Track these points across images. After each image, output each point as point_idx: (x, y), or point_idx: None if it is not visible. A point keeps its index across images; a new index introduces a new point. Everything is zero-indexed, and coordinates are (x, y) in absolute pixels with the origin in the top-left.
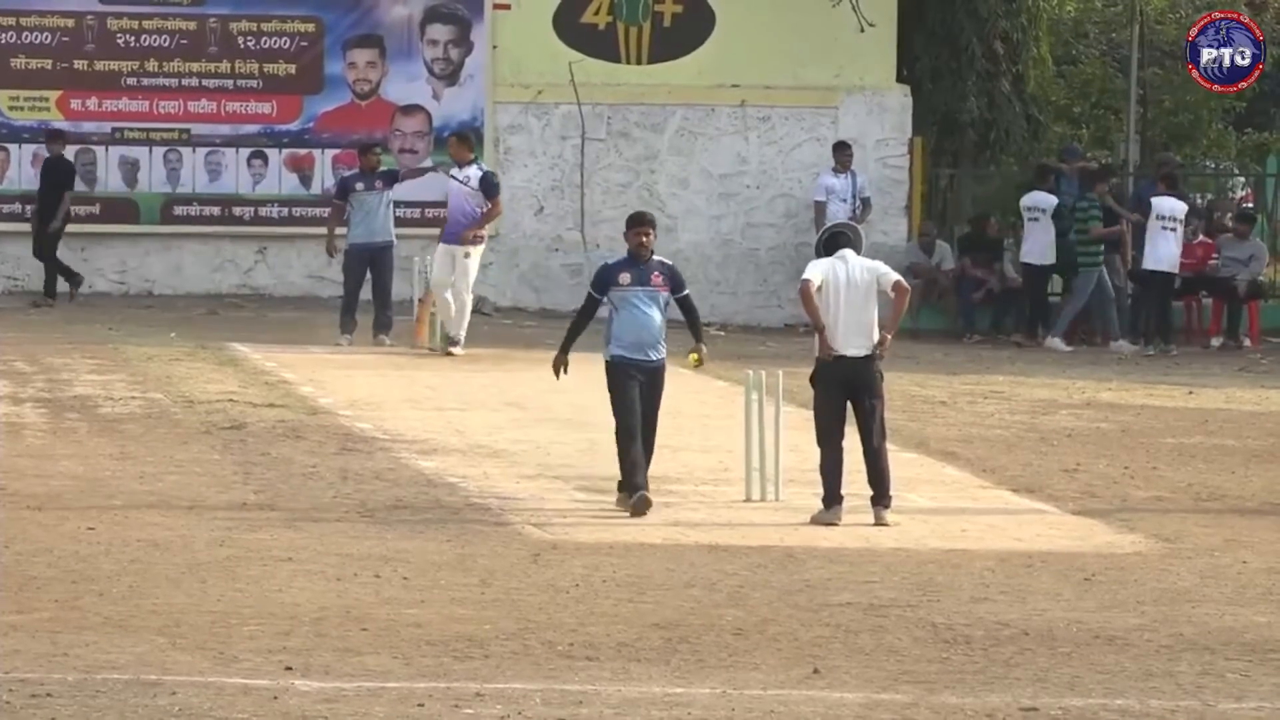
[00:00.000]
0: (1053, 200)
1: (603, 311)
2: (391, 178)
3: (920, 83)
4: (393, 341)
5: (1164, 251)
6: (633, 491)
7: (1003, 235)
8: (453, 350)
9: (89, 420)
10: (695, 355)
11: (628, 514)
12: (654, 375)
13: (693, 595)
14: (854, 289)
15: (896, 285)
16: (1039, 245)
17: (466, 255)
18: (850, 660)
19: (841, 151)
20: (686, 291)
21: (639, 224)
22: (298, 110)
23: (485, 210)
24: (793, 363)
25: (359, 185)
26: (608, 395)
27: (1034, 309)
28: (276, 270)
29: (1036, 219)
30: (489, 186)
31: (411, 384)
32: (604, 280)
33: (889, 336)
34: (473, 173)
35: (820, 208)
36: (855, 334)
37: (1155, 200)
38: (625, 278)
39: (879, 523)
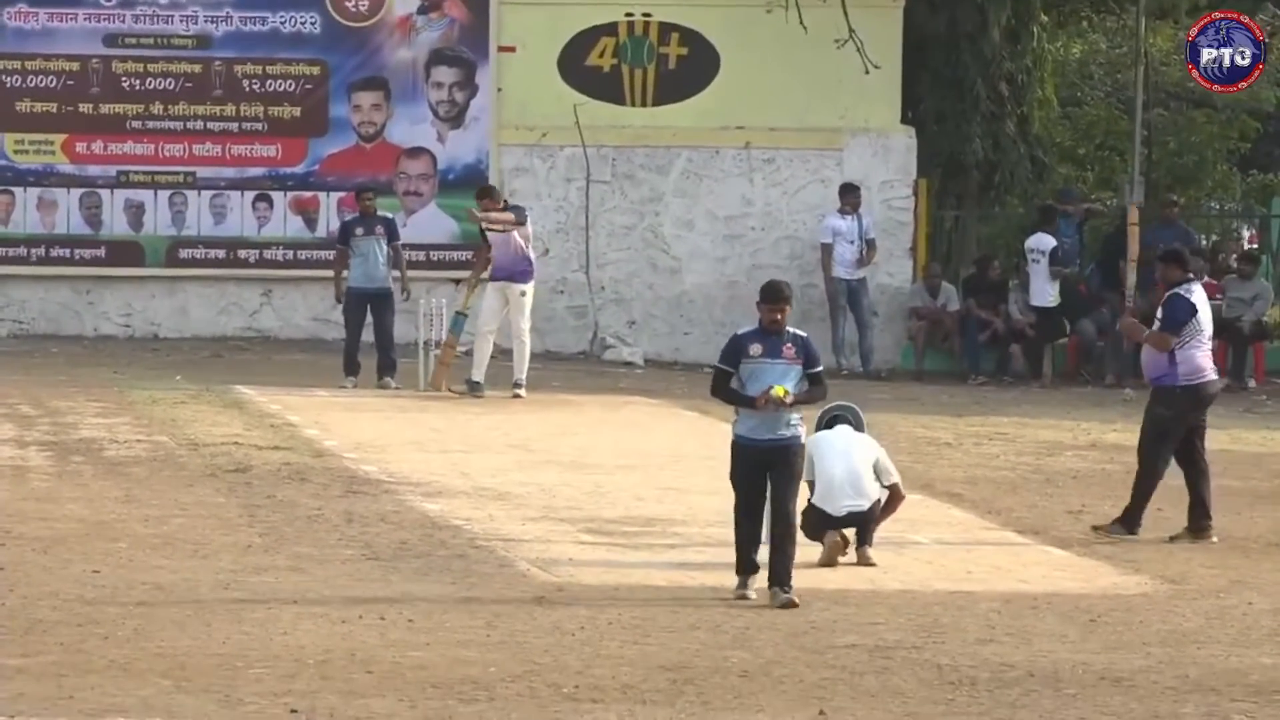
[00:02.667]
0: (1051, 242)
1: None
2: (390, 225)
3: (925, 124)
4: (398, 384)
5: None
6: (741, 575)
7: (1005, 277)
8: (519, 393)
9: (94, 463)
10: (782, 389)
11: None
12: (784, 455)
13: (698, 637)
14: (850, 453)
15: (894, 487)
16: (1040, 288)
17: (523, 294)
18: (856, 702)
19: (849, 194)
20: (819, 368)
21: (774, 299)
22: (303, 153)
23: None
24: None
25: (358, 230)
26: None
27: (1037, 350)
28: (282, 313)
29: (1038, 260)
30: (518, 211)
31: (416, 426)
32: (734, 352)
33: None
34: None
35: (827, 250)
36: (852, 491)
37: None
38: (756, 349)
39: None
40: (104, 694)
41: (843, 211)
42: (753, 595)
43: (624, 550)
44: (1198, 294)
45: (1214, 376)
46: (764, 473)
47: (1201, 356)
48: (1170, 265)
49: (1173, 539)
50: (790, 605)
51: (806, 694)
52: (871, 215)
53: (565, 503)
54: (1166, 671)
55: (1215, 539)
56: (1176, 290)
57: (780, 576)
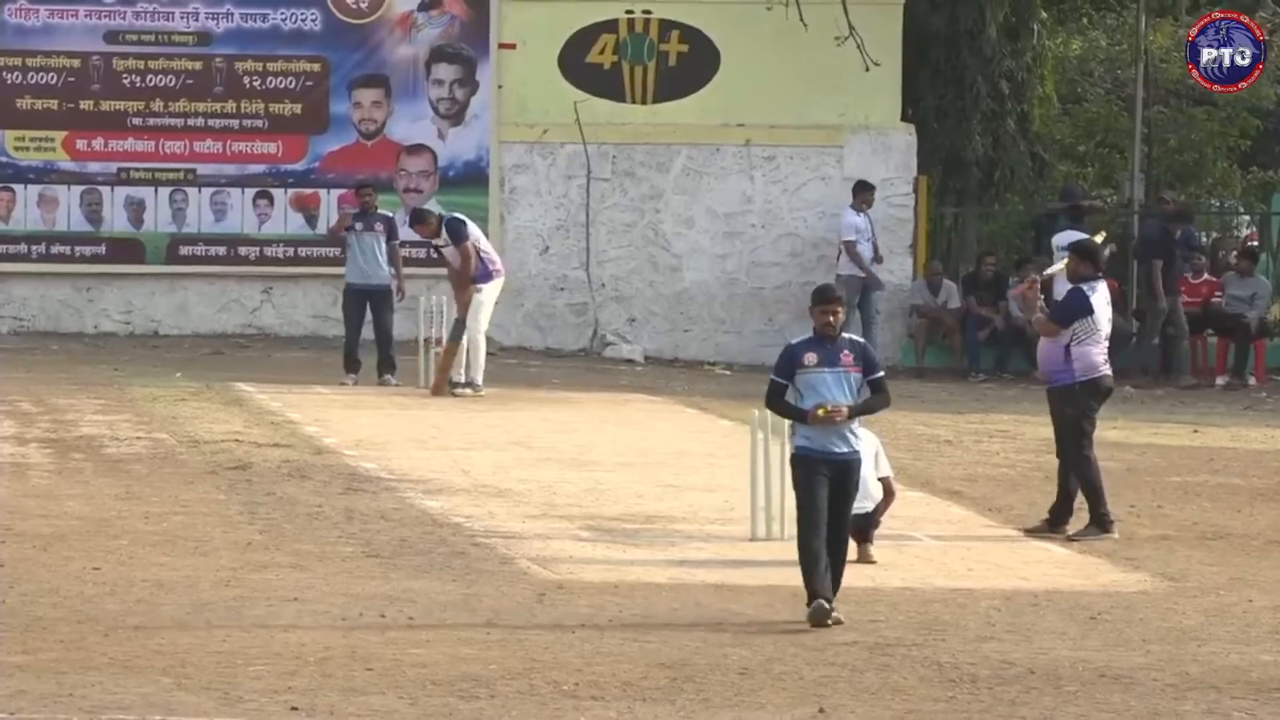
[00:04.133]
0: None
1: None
2: (390, 223)
3: (925, 121)
4: (398, 381)
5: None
6: (811, 597)
7: (1005, 274)
8: (456, 391)
9: (94, 460)
10: (824, 409)
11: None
12: (844, 470)
13: (698, 634)
14: None
15: (885, 481)
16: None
17: (478, 290)
18: (856, 700)
19: (865, 191)
20: (881, 374)
21: (825, 300)
22: (303, 150)
23: (461, 261)
24: None
25: (358, 225)
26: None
27: None
28: (282, 310)
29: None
30: (452, 234)
31: (416, 424)
32: (788, 362)
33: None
34: (444, 235)
35: (850, 246)
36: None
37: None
38: (811, 358)
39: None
40: (104, 691)
41: (858, 209)
42: (841, 617)
43: (624, 547)
44: (1099, 293)
45: (1108, 371)
46: (827, 485)
47: (1096, 353)
48: (1080, 260)
49: (1072, 538)
50: (823, 614)
51: (806, 691)
52: (874, 212)
53: (565, 500)
54: (1167, 669)
55: (1117, 535)
56: (1079, 286)
57: (820, 589)
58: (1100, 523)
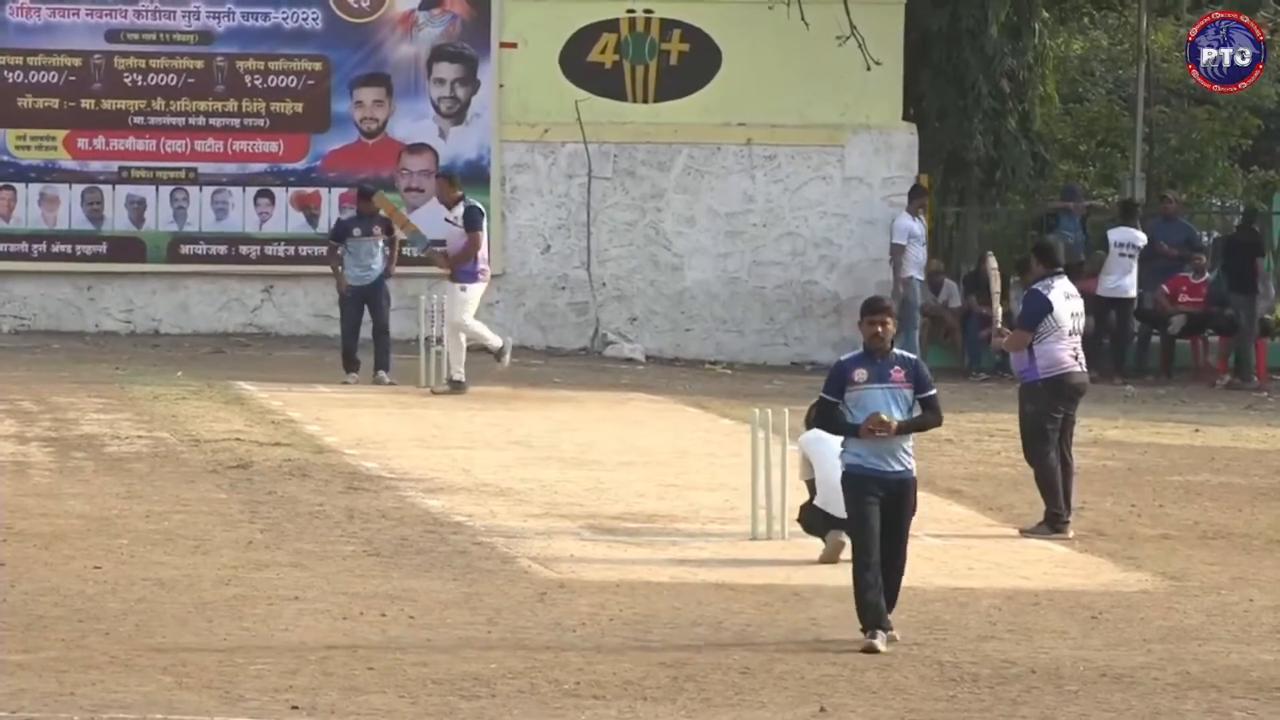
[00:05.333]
0: (1143, 238)
1: None
2: (389, 225)
3: (926, 121)
4: (392, 379)
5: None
6: (866, 630)
7: (1005, 275)
8: (436, 389)
9: (95, 459)
10: (883, 417)
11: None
12: (898, 490)
13: (699, 634)
14: None
15: None
16: (1130, 280)
17: (463, 289)
18: (857, 699)
19: (920, 195)
20: (933, 391)
21: (874, 311)
22: (304, 149)
23: (464, 243)
24: (799, 400)
25: (356, 230)
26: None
27: (1120, 342)
28: (283, 309)
29: (1131, 255)
30: (468, 220)
31: (418, 423)
32: (838, 379)
33: None
34: (459, 211)
35: (899, 250)
36: None
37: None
38: (861, 374)
39: None
40: (105, 690)
41: (913, 213)
42: (883, 648)
43: (625, 546)
44: (1057, 290)
45: (1076, 368)
46: (878, 506)
47: (1060, 350)
48: (1035, 259)
49: (1024, 533)
50: (873, 650)
51: (807, 690)
52: (873, 212)
53: (567, 499)
54: (1167, 668)
55: (1072, 534)
56: (1035, 286)
57: (873, 621)
58: (1052, 522)
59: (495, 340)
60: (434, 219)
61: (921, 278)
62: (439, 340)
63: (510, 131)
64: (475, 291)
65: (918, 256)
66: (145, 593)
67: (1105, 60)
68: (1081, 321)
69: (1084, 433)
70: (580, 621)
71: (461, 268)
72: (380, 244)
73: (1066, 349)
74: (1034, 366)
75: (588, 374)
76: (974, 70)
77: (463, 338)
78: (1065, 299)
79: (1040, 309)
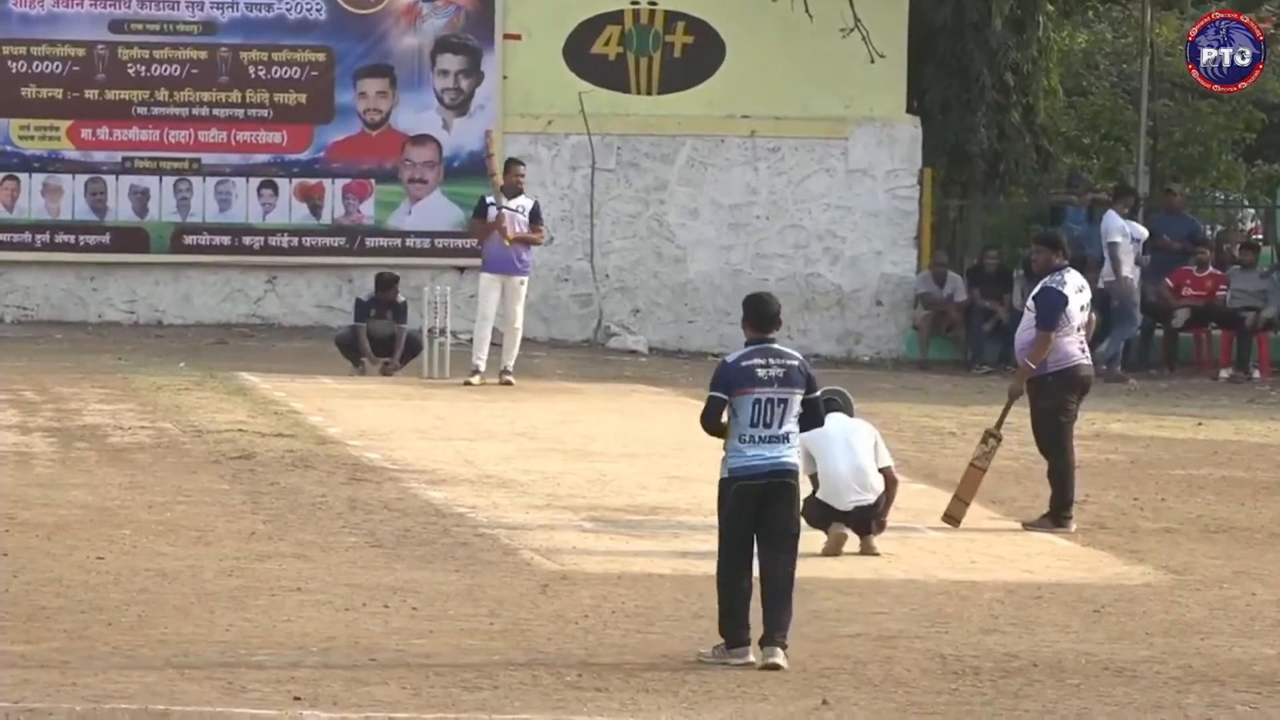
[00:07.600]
0: (1144, 231)
1: None
2: (402, 311)
3: (930, 114)
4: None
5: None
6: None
7: (1009, 267)
8: (470, 381)
9: (98, 450)
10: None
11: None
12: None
13: (702, 626)
14: (851, 444)
15: (887, 471)
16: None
17: (522, 283)
18: (859, 692)
19: (1127, 194)
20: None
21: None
22: (308, 140)
23: (530, 235)
24: None
25: (372, 312)
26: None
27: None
28: (286, 300)
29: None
30: (538, 217)
31: (420, 414)
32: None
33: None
34: (524, 202)
35: (1115, 248)
36: (858, 486)
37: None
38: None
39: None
40: (107, 680)
41: (1120, 212)
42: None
43: (628, 539)
44: (1069, 282)
45: (1084, 361)
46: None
47: (1069, 343)
48: (1043, 250)
49: (1026, 526)
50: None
51: (810, 683)
52: (876, 205)
53: (569, 491)
54: (1170, 662)
55: (1074, 528)
56: (1047, 282)
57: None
58: (1057, 518)
59: (482, 360)
60: (435, 212)
61: (1134, 276)
62: (442, 332)
63: (514, 123)
64: (484, 282)
65: (1132, 254)
66: (148, 583)
67: (1109, 54)
68: (1089, 314)
69: (1087, 426)
70: (582, 613)
71: (523, 257)
72: (392, 325)
73: (1074, 342)
74: (1044, 361)
75: (591, 366)
76: (978, 63)
77: (520, 326)
78: (1077, 292)
79: (1057, 305)
